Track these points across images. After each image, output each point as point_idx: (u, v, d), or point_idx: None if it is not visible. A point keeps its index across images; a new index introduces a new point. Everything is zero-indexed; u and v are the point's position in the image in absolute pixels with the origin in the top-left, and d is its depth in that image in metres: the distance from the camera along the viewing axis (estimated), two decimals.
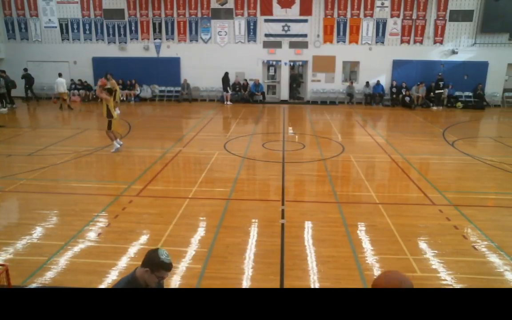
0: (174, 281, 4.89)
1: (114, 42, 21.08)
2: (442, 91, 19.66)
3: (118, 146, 10.63)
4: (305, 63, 21.00)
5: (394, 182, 8.97)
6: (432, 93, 19.92)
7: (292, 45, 20.58)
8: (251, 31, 20.54)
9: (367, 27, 20.20)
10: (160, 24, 20.75)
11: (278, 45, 20.65)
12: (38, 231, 6.19)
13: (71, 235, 5.96)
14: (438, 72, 19.96)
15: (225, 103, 20.24)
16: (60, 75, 18.30)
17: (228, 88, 20.34)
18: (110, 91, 10.88)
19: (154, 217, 6.74)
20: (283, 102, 21.21)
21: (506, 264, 5.30)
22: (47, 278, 4.91)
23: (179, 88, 21.08)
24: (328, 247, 5.72)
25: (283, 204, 7.27)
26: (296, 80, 21.70)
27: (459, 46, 19.99)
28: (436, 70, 20.04)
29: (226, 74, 20.22)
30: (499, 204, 7.70)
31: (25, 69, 20.29)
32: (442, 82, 19.69)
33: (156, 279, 2.64)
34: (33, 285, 4.75)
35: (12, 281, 4.12)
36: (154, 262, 2.61)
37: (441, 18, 19.81)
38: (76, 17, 20.89)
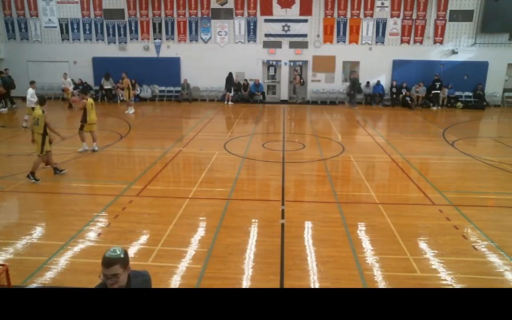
0: (174, 281, 4.90)
1: (114, 42, 21.07)
2: (438, 92, 19.65)
3: (86, 148, 10.68)
4: (305, 63, 20.99)
5: (394, 182, 8.97)
6: (431, 93, 19.93)
7: (292, 45, 20.57)
8: (251, 31, 20.53)
9: (367, 27, 20.18)
10: (160, 24, 20.74)
11: (278, 45, 20.64)
12: (38, 231, 6.19)
13: (71, 235, 5.96)
14: (437, 72, 19.95)
15: (226, 103, 20.22)
16: (65, 75, 19.20)
17: (232, 89, 20.34)
18: (85, 92, 11.44)
19: (154, 217, 6.74)
20: (283, 102, 21.21)
21: (506, 264, 5.30)
22: (47, 278, 4.91)
23: (179, 88, 21.07)
24: (328, 247, 5.72)
25: (283, 204, 7.27)
26: (356, 84, 19.82)
27: (459, 46, 19.98)
28: (436, 70, 20.03)
29: (230, 74, 20.21)
30: (499, 204, 7.70)
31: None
32: (439, 83, 19.67)
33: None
34: (33, 285, 4.75)
35: (12, 281, 4.12)
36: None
37: (441, 18, 19.80)
38: (76, 17, 20.88)
